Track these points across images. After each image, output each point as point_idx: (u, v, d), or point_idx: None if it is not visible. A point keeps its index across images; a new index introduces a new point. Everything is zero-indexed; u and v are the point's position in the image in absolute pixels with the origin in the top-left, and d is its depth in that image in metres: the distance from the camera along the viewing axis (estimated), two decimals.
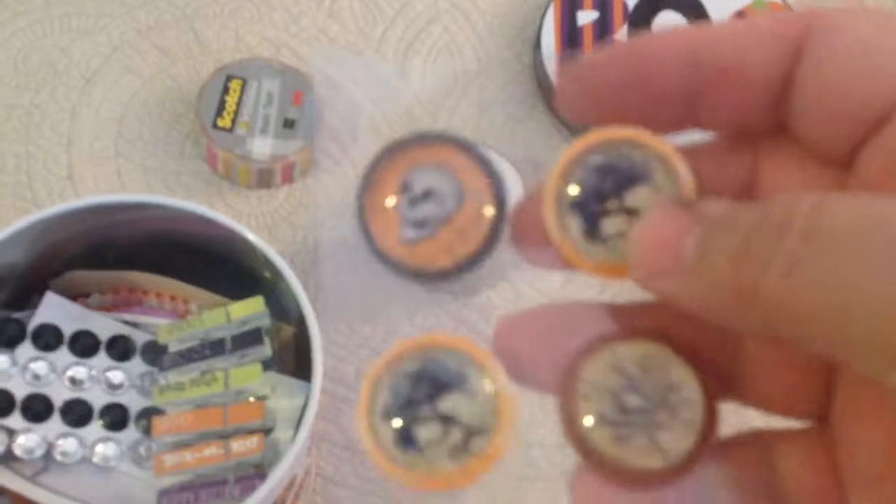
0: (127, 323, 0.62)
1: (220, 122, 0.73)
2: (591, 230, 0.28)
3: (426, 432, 0.29)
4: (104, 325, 0.61)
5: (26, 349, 0.60)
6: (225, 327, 0.61)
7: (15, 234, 0.58)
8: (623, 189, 0.28)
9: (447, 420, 0.29)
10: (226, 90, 0.74)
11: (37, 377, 0.59)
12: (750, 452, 0.28)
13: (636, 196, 0.28)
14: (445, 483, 0.28)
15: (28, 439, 0.57)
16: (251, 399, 0.58)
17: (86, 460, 0.58)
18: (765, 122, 0.26)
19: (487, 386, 0.30)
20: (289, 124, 0.73)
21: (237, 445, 0.57)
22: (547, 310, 0.31)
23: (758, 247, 0.23)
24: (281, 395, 0.60)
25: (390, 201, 0.30)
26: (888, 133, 0.24)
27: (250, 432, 0.58)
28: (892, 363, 0.21)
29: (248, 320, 0.61)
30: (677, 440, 0.27)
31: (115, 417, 0.59)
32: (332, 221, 0.74)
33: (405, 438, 0.28)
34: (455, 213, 0.30)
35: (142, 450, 0.59)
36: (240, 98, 0.74)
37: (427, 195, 0.31)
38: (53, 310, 0.61)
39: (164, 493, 0.57)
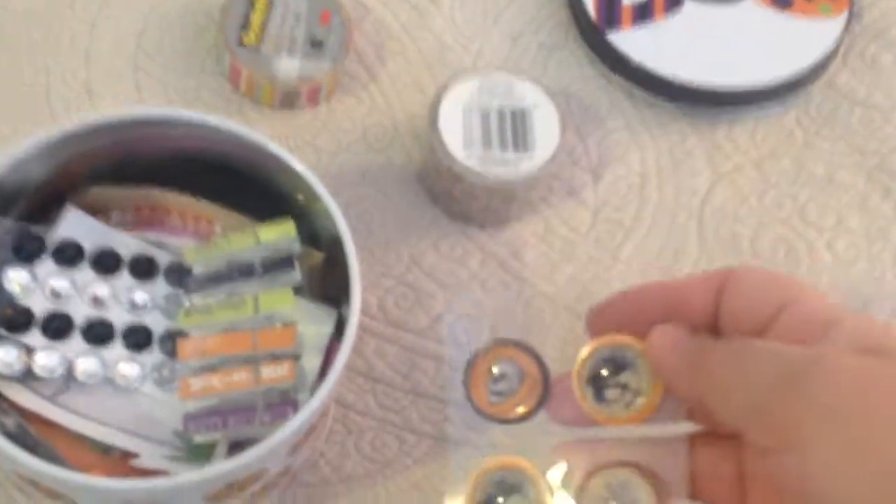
0: (153, 244, 0.60)
1: (245, 40, 0.70)
2: (599, 396, 0.49)
3: None
4: (127, 244, 0.59)
5: (46, 265, 0.58)
6: (253, 250, 0.59)
7: (34, 146, 0.56)
8: (618, 372, 0.49)
9: None
10: (251, 6, 0.71)
11: (57, 294, 0.57)
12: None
13: (625, 376, 0.49)
14: None
15: (48, 357, 0.55)
16: (280, 325, 0.57)
17: (107, 381, 0.56)
18: (707, 329, 0.47)
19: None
20: (316, 45, 0.71)
21: (267, 371, 0.55)
22: (625, 297, 0.50)
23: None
24: (308, 321, 0.58)
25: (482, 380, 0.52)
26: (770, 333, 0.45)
27: (279, 358, 0.56)
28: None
29: (277, 244, 0.59)
30: None
31: (139, 338, 0.57)
32: (357, 147, 0.72)
33: None
34: (519, 388, 0.52)
35: (166, 372, 0.57)
36: (266, 15, 0.71)
37: (503, 377, 0.52)
38: (74, 225, 0.59)
39: (190, 417, 0.55)
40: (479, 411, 0.52)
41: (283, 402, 0.54)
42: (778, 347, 0.42)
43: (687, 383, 0.45)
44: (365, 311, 0.68)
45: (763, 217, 0.70)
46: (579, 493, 0.50)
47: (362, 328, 0.68)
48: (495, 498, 0.51)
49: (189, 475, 0.50)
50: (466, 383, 0.52)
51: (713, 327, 0.47)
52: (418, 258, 0.69)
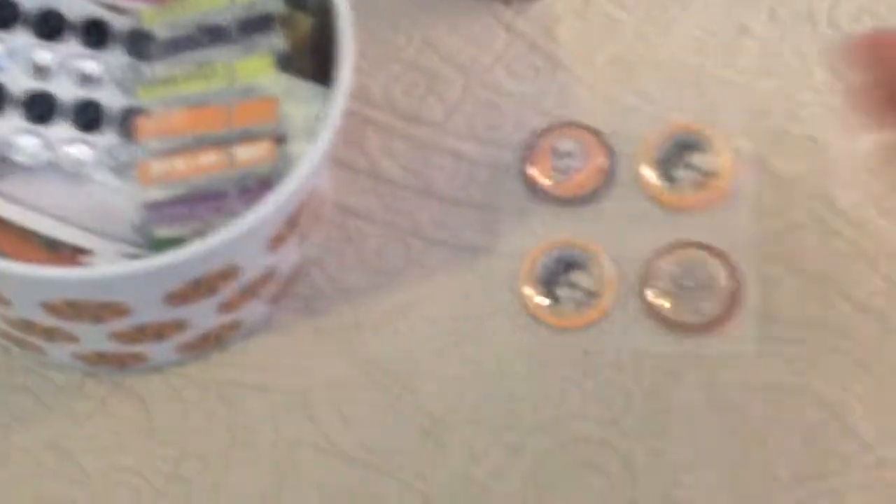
0: (105, 6, 0.50)
1: None
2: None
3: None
4: (73, 4, 0.49)
5: None
6: (227, 10, 0.48)
7: None
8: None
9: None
10: None
11: None
12: None
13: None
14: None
15: None
16: (259, 98, 0.46)
17: (53, 166, 0.47)
18: None
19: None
20: None
21: (243, 152, 0.45)
22: None
23: None
24: (295, 100, 0.48)
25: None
26: None
27: (256, 137, 0.46)
28: None
29: (255, 2, 0.48)
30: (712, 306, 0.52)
31: (90, 116, 0.47)
32: None
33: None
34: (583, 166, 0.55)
35: (122, 155, 0.47)
36: None
37: (567, 154, 0.54)
38: None
39: (150, 207, 0.46)
40: (538, 189, 0.53)
41: (262, 189, 0.45)
42: None
43: None
44: (366, 100, 0.58)
45: None
46: (647, 273, 0.52)
47: (363, 120, 0.57)
48: (557, 275, 0.52)
49: (141, 263, 0.40)
50: (526, 159, 0.53)
51: None
52: (432, 39, 0.58)
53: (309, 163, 0.43)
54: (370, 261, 0.55)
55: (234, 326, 0.51)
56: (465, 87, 0.58)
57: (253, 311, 0.51)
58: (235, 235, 0.41)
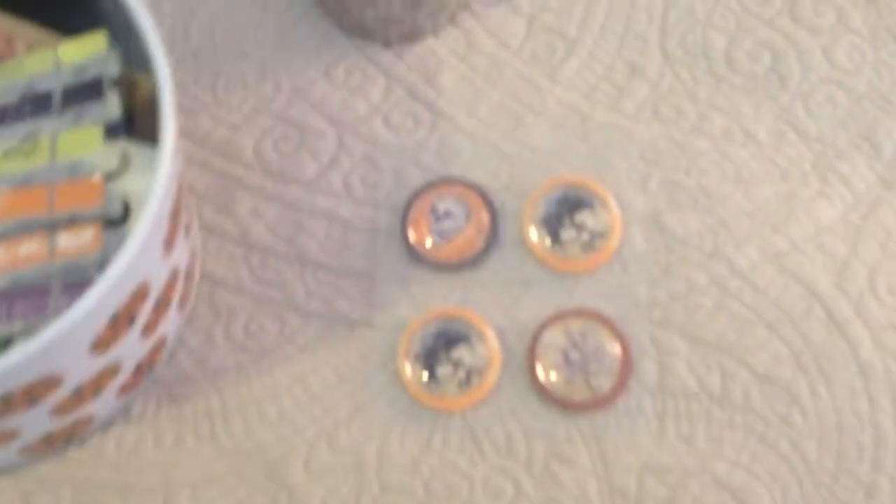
0: None
1: None
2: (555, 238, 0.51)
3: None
4: None
5: None
6: (53, 76, 0.43)
7: None
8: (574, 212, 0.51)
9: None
10: None
11: None
12: None
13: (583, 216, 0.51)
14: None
15: None
16: (85, 176, 0.42)
17: None
18: None
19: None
20: None
21: (66, 240, 0.41)
22: None
23: None
24: (138, 171, 0.43)
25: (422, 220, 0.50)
26: None
27: (80, 222, 0.41)
28: None
29: (85, 66, 0.43)
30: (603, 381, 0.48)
31: None
32: None
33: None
34: (465, 227, 0.50)
35: None
36: None
37: (447, 215, 0.51)
38: None
39: None
40: (417, 253, 0.49)
41: (84, 283, 0.40)
42: None
43: None
44: (236, 158, 0.53)
45: (742, 18, 0.55)
46: (534, 345, 0.48)
47: (233, 181, 0.53)
48: (437, 352, 0.48)
49: None
50: (404, 221, 0.49)
51: None
52: (304, 88, 0.54)
53: (131, 249, 0.38)
54: (239, 339, 0.50)
55: (86, 422, 0.46)
56: (339, 141, 0.53)
57: (103, 405, 0.46)
58: (44, 345, 0.36)
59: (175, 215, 0.42)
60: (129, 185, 0.43)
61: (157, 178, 0.38)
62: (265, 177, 0.53)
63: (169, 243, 0.41)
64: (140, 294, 0.40)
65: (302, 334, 0.50)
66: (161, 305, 0.44)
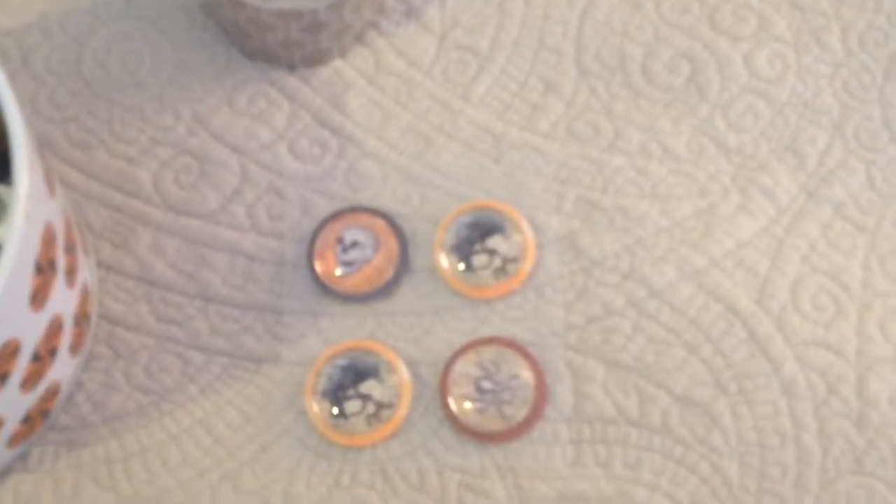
0: None
1: None
2: (467, 265, 0.49)
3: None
4: None
5: None
6: None
7: None
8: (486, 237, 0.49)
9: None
10: None
11: None
12: None
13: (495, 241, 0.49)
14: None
15: None
16: None
17: None
18: None
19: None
20: None
21: None
22: None
23: None
24: None
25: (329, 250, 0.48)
26: None
27: None
28: None
29: None
30: (518, 410, 0.46)
31: None
32: None
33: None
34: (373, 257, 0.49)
35: None
36: None
37: (354, 244, 0.49)
38: None
39: None
40: (325, 285, 0.47)
41: None
42: None
43: None
44: (134, 193, 0.51)
45: (660, 28, 0.53)
46: (445, 376, 0.47)
47: (132, 216, 0.50)
48: (346, 387, 0.46)
49: None
50: (311, 252, 0.48)
51: None
52: (205, 116, 0.52)
53: None
54: (140, 380, 0.48)
55: None
56: (242, 171, 0.51)
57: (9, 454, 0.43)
58: None
59: (47, 266, 0.39)
60: (3, 232, 0.40)
61: (9, 238, 0.36)
62: (165, 210, 0.51)
63: (39, 297, 0.39)
64: (8, 352, 0.38)
65: (205, 373, 0.48)
66: (44, 356, 0.41)
